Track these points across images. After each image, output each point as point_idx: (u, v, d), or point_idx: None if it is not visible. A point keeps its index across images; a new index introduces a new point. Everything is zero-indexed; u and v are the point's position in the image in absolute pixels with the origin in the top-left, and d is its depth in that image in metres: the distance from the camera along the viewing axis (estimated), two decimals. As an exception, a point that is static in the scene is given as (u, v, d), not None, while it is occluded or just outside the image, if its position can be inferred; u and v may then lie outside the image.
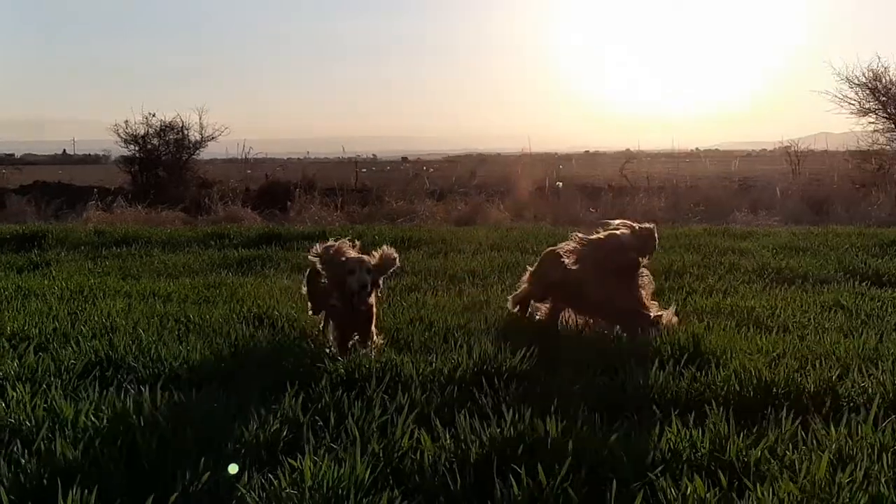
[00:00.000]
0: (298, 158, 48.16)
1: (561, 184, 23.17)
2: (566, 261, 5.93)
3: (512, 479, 3.11)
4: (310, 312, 6.12)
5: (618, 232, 5.91)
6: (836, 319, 6.31)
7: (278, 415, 3.93)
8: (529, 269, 6.68)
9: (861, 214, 17.50)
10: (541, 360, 4.98)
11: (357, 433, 3.64)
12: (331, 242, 5.56)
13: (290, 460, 3.38)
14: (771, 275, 8.58)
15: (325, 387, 4.37)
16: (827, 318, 6.37)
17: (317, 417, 3.94)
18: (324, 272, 5.46)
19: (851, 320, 6.30)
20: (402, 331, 5.83)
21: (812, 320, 6.27)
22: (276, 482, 3.19)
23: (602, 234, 5.99)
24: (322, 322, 5.99)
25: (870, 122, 23.30)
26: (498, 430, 3.66)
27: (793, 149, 25.76)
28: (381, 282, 5.55)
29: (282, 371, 4.76)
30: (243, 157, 26.34)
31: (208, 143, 25.61)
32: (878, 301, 7.04)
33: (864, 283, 8.08)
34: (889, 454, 3.25)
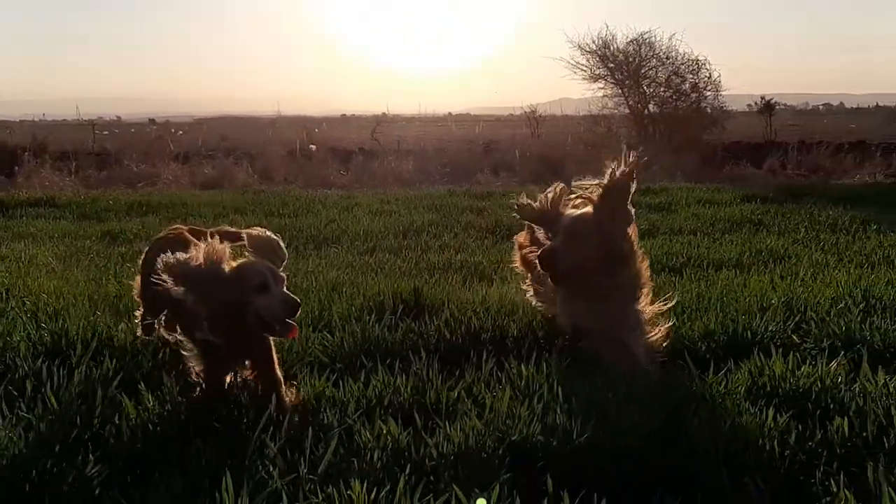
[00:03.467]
0: (33, 120, 44.48)
1: (314, 147, 23.08)
2: None
3: (211, 436, 3.12)
4: (139, 321, 4.60)
5: None
6: (552, 269, 6.75)
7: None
8: None
9: (592, 174, 18.73)
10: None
11: (54, 401, 3.49)
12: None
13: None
14: (503, 231, 9.05)
15: (24, 355, 4.13)
16: (544, 268, 6.80)
17: (11, 388, 3.72)
18: (188, 294, 3.43)
19: (564, 268, 6.76)
20: (123, 298, 5.58)
21: (531, 272, 6.67)
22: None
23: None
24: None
25: (600, 88, 24.98)
26: (203, 390, 3.64)
27: (536, 114, 27.23)
28: None
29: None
30: (-37, 118, 23.96)
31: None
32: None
33: (581, 234, 8.72)
34: (564, 386, 3.56)
